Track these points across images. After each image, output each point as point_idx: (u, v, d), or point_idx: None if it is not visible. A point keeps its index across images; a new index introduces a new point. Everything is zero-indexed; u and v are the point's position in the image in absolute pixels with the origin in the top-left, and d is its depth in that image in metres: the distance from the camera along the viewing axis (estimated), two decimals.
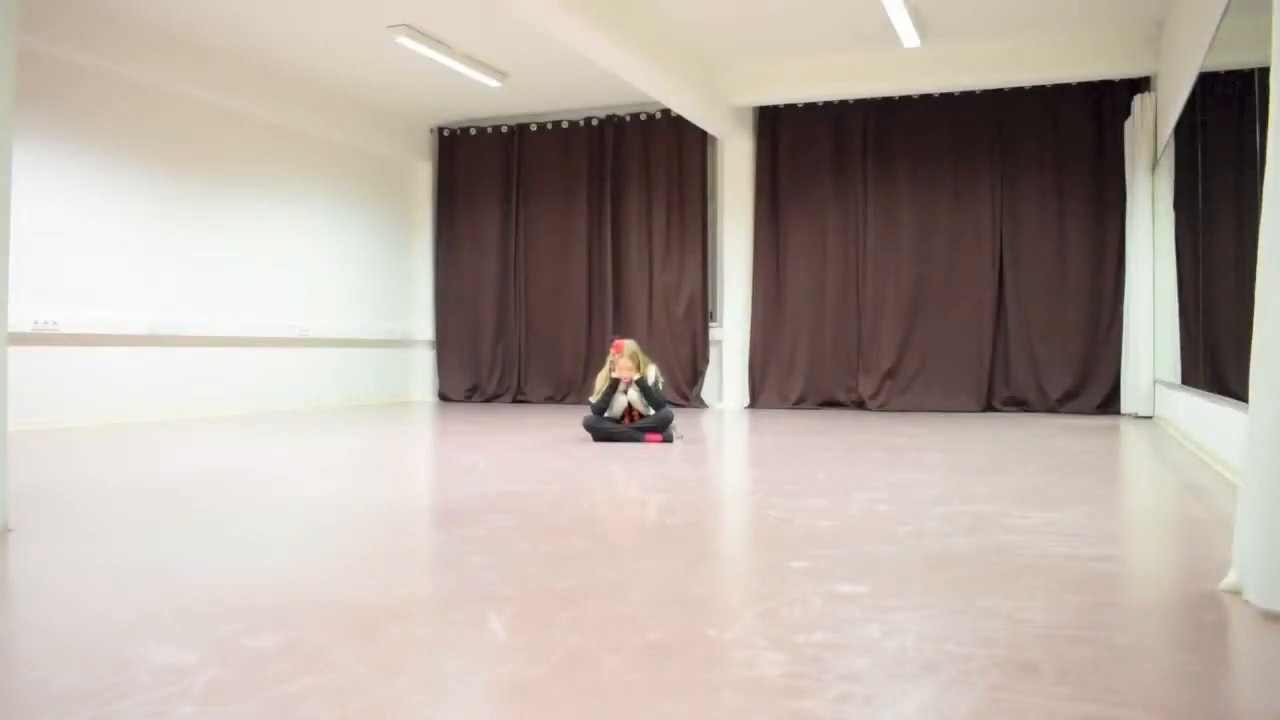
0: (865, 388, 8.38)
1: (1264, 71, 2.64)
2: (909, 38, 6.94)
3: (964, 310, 8.17)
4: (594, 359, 9.12)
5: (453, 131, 9.87)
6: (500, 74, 8.06)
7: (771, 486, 3.76)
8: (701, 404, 8.92)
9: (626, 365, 5.48)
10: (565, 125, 9.48)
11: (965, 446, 5.28)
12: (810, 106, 8.60)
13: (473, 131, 9.80)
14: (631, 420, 5.57)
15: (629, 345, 5.55)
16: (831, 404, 8.58)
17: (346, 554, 2.63)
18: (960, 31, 7.20)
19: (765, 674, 1.58)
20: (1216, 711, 1.44)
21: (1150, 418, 7.25)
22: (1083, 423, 6.99)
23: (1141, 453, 5.21)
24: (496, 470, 4.26)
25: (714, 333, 9.00)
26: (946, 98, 8.19)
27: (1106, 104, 7.83)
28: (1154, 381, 7.27)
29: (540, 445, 5.37)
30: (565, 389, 9.45)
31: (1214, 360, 5.57)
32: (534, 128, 9.59)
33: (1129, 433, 6.24)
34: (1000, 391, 8.15)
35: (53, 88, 6.46)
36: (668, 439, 5.45)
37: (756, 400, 8.72)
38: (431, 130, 9.94)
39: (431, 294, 9.99)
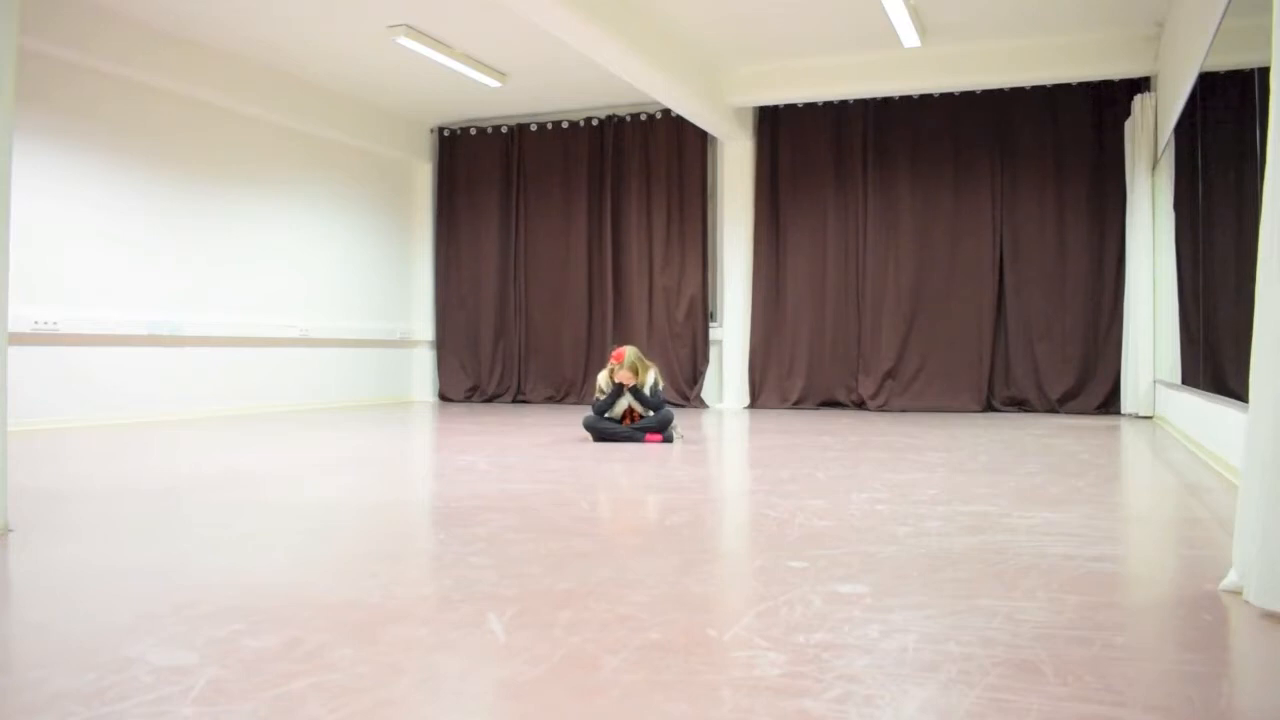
0: (865, 388, 8.38)
1: (1264, 71, 2.64)
2: (909, 38, 6.94)
3: (964, 310, 8.18)
4: (594, 359, 9.13)
5: (453, 131, 9.87)
6: (500, 74, 8.06)
7: (771, 486, 3.76)
8: (701, 404, 8.92)
9: (627, 376, 5.49)
10: (565, 125, 9.48)
11: (965, 446, 5.28)
12: (810, 106, 8.60)
13: (473, 131, 9.80)
14: (632, 421, 5.58)
15: (629, 354, 5.54)
16: (831, 404, 8.58)
17: (346, 554, 2.63)
18: (960, 31, 7.20)
19: (765, 674, 1.58)
20: (1216, 711, 1.44)
21: (1150, 418, 7.25)
22: (1083, 423, 6.99)
23: (1141, 453, 5.21)
24: (496, 470, 4.26)
25: (714, 333, 9.00)
26: (946, 98, 8.19)
27: (1106, 104, 7.83)
28: (1154, 381, 7.27)
29: (540, 445, 5.37)
30: (565, 389, 9.45)
31: (1214, 360, 5.57)
32: (534, 128, 9.60)
33: (1129, 433, 6.24)
34: (1000, 391, 8.15)
35: (53, 88, 6.46)
36: (668, 439, 5.45)
37: (756, 400, 8.72)
38: (431, 130, 9.94)
39: (431, 294, 9.99)
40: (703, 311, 8.99)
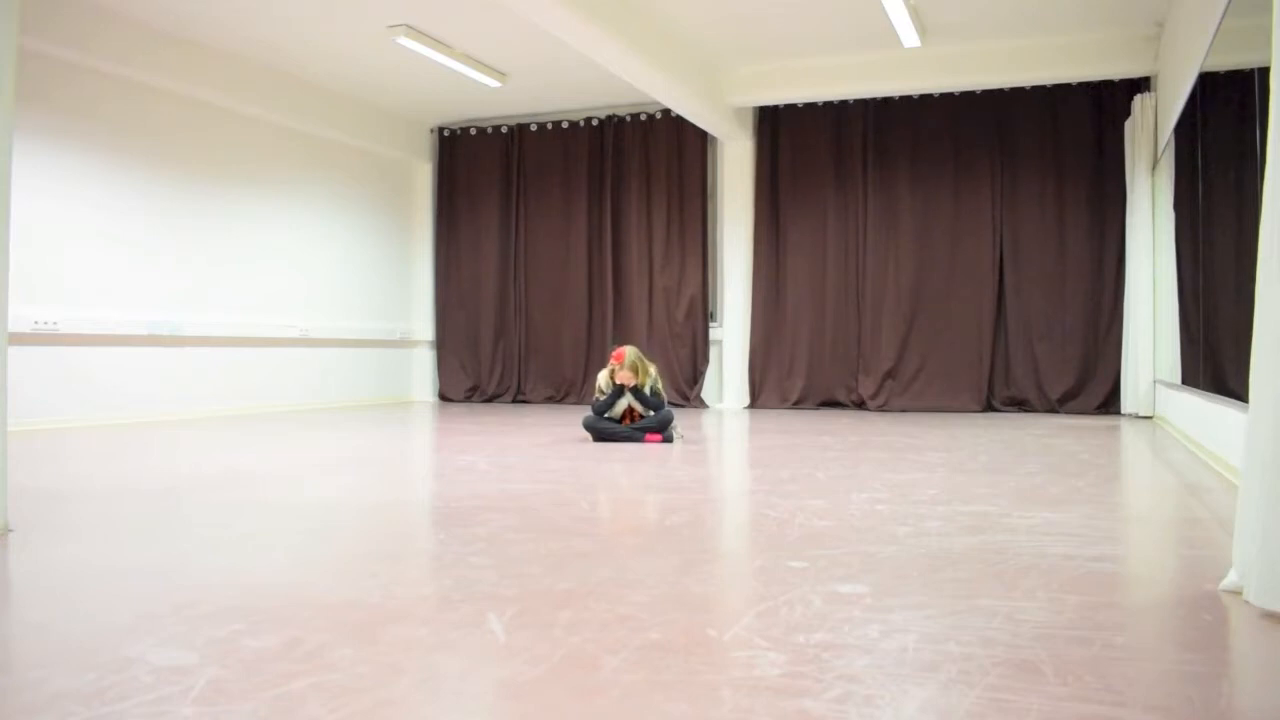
0: (865, 388, 8.38)
1: (1264, 71, 2.64)
2: (909, 38, 6.94)
3: (964, 310, 8.18)
4: (594, 359, 9.13)
5: (453, 131, 9.87)
6: (500, 74, 8.06)
7: (771, 486, 3.76)
8: (701, 404, 8.92)
9: (627, 377, 5.48)
10: (565, 125, 9.48)
11: (965, 446, 5.28)
12: (810, 106, 8.60)
13: (473, 131, 9.80)
14: (632, 420, 5.58)
15: (629, 355, 5.53)
16: (831, 404, 8.58)
17: (347, 554, 2.63)
18: (960, 31, 7.20)
19: (765, 674, 1.58)
20: (1216, 711, 1.44)
21: (1150, 418, 7.25)
22: (1083, 423, 6.99)
23: (1141, 453, 5.21)
24: (496, 470, 4.26)
25: (714, 333, 9.00)
26: (946, 98, 8.19)
27: (1106, 104, 7.83)
28: (1154, 381, 7.27)
29: (540, 445, 5.37)
30: (565, 389, 9.45)
31: (1214, 360, 5.57)
32: (534, 128, 9.60)
33: (1129, 433, 6.24)
34: (1000, 391, 8.15)
35: (53, 88, 6.46)
36: (668, 439, 5.45)
37: (756, 400, 8.72)
38: (431, 130, 9.94)
39: (431, 294, 10.00)
40: (703, 311, 8.99)
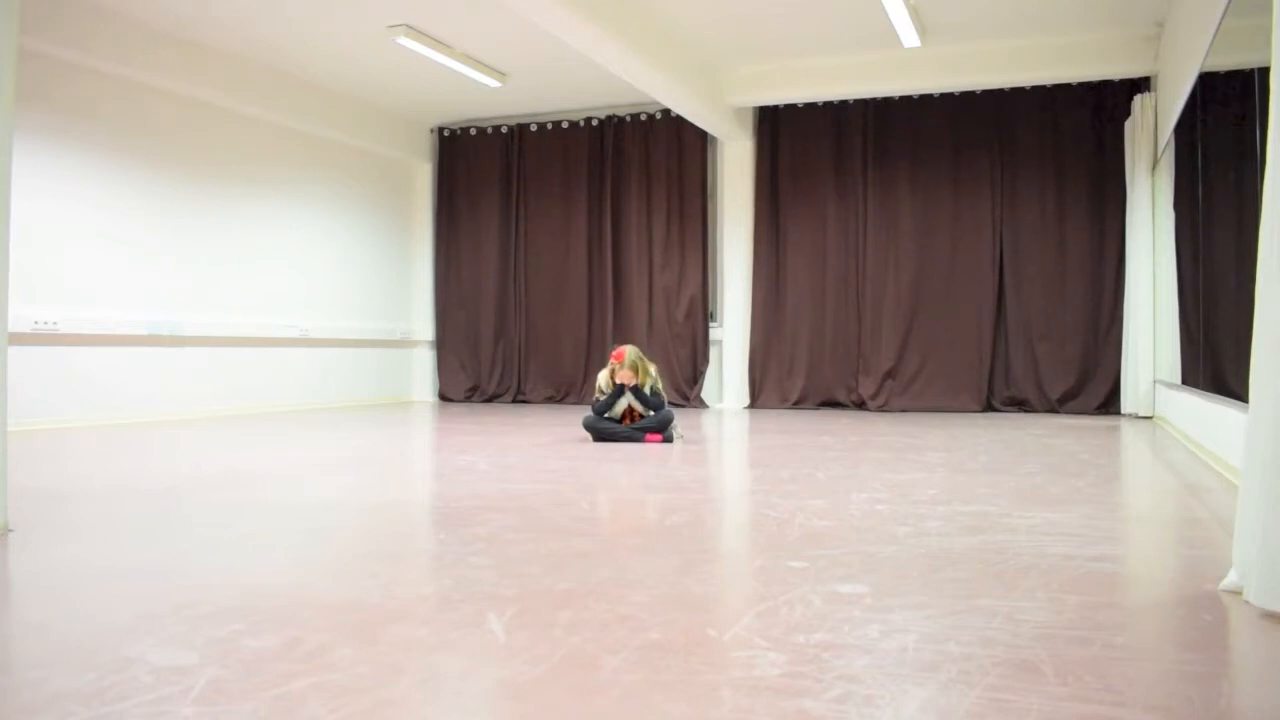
0: (865, 388, 8.38)
1: (1264, 71, 2.64)
2: (909, 38, 6.95)
3: (964, 310, 8.18)
4: (594, 359, 9.13)
5: (453, 131, 9.87)
6: (500, 74, 8.06)
7: (771, 486, 3.76)
8: (701, 404, 8.92)
9: (628, 376, 5.48)
10: (565, 125, 9.48)
11: (965, 446, 5.28)
12: (810, 106, 8.60)
13: (473, 131, 9.81)
14: (632, 420, 5.58)
15: (629, 354, 5.53)
16: (831, 404, 8.58)
17: (347, 554, 2.63)
18: (960, 31, 7.20)
19: (765, 674, 1.58)
20: (1216, 711, 1.44)
21: (1150, 418, 7.25)
22: (1083, 423, 6.99)
23: (1141, 453, 5.21)
24: (496, 470, 4.26)
25: (714, 333, 9.00)
26: (946, 98, 8.19)
27: (1106, 104, 7.83)
28: (1154, 381, 7.27)
29: (540, 445, 5.37)
30: (565, 389, 9.45)
31: (1214, 360, 5.57)
32: (534, 128, 9.60)
33: (1129, 433, 6.24)
34: (1000, 391, 8.15)
35: (53, 87, 6.46)
36: (668, 439, 5.45)
37: (756, 400, 8.72)
38: (431, 130, 9.94)
39: (431, 294, 10.00)
40: (703, 311, 8.99)
